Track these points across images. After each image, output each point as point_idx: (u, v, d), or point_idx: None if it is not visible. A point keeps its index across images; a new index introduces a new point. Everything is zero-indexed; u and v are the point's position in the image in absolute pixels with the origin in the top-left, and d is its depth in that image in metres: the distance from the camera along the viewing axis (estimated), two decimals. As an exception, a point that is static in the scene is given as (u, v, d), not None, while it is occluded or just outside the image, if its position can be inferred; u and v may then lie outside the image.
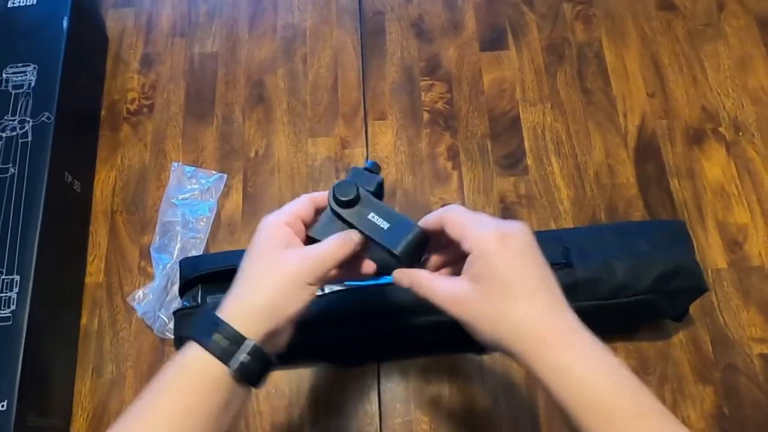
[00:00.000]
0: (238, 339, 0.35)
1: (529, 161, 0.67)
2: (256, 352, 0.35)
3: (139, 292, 0.61)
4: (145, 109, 0.72)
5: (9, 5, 0.67)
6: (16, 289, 0.54)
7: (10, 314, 0.53)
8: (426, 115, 0.70)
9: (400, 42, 0.74)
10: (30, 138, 0.60)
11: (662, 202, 0.65)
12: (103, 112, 0.72)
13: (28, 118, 0.61)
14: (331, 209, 0.40)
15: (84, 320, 0.62)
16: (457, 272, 0.37)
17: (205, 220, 0.65)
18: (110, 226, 0.66)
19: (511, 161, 0.67)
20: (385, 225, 0.39)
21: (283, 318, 0.36)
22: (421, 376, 0.58)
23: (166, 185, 0.67)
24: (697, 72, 0.71)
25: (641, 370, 0.58)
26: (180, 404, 0.34)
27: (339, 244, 0.38)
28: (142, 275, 0.63)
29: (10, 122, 0.61)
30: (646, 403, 0.33)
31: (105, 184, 0.68)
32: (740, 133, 0.68)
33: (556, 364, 0.33)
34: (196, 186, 0.66)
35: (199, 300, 0.55)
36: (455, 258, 0.39)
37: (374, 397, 0.58)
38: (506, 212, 0.65)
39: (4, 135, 0.60)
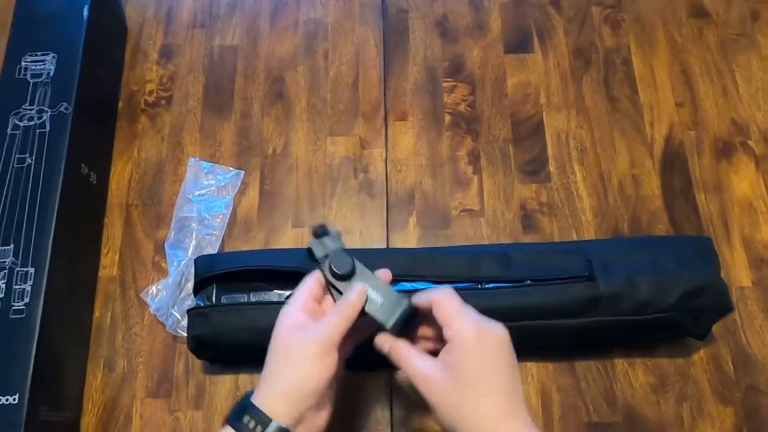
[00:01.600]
0: (265, 421, 0.38)
1: (552, 168, 0.66)
2: None
3: (153, 288, 0.61)
4: (163, 102, 0.71)
5: (30, -8, 0.66)
6: (30, 282, 0.54)
7: (23, 306, 0.53)
8: (448, 117, 0.69)
9: (423, 41, 0.73)
10: (48, 128, 0.60)
11: (687, 216, 0.63)
12: (120, 103, 0.71)
13: (46, 108, 0.60)
14: (328, 283, 0.44)
15: (97, 314, 0.61)
16: (437, 348, 0.41)
17: (221, 216, 0.64)
18: (125, 219, 0.65)
19: (534, 168, 0.66)
20: (379, 299, 0.43)
21: (309, 396, 0.39)
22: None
23: (182, 180, 0.67)
24: (728, 83, 0.69)
25: (660, 387, 0.57)
26: None
27: (339, 318, 0.41)
28: (156, 270, 0.63)
29: (28, 111, 0.60)
30: None
31: (121, 176, 0.67)
32: (770, 147, 0.66)
33: None
34: (213, 182, 0.65)
35: (213, 300, 0.54)
36: (438, 335, 0.42)
37: (386, 404, 0.57)
38: (527, 220, 0.64)
39: (21, 124, 0.60)
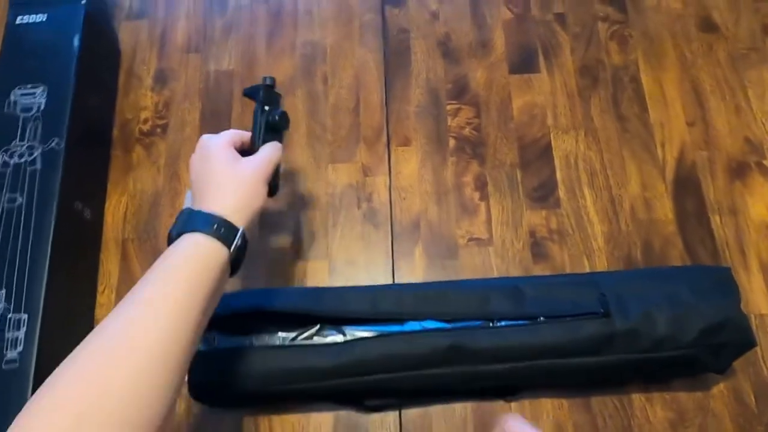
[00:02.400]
0: (233, 228, 0.43)
1: (561, 193, 0.64)
2: (244, 238, 0.43)
3: None
4: (158, 130, 0.69)
5: (17, 22, 0.64)
6: (23, 329, 0.52)
7: (17, 356, 0.51)
8: (452, 142, 0.67)
9: (425, 62, 0.71)
10: (39, 166, 0.57)
11: (702, 241, 0.61)
12: (114, 132, 0.69)
13: (37, 144, 0.58)
14: (258, 126, 0.53)
15: (94, 355, 0.59)
16: None
17: (220, 251, 0.62)
18: (122, 254, 0.63)
19: (542, 193, 0.64)
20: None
21: (254, 212, 0.46)
22: (444, 423, 0.56)
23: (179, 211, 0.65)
24: (740, 100, 0.67)
25: (679, 422, 0.55)
26: (185, 284, 0.39)
27: (274, 148, 0.50)
28: (154, 308, 0.61)
29: (18, 148, 0.58)
30: None
31: (116, 209, 0.65)
32: (786, 167, 0.64)
33: None
34: (212, 215, 0.63)
35: (215, 344, 0.52)
36: None
37: (396, 445, 0.55)
38: (537, 248, 0.62)
39: (11, 162, 0.58)
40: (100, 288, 0.62)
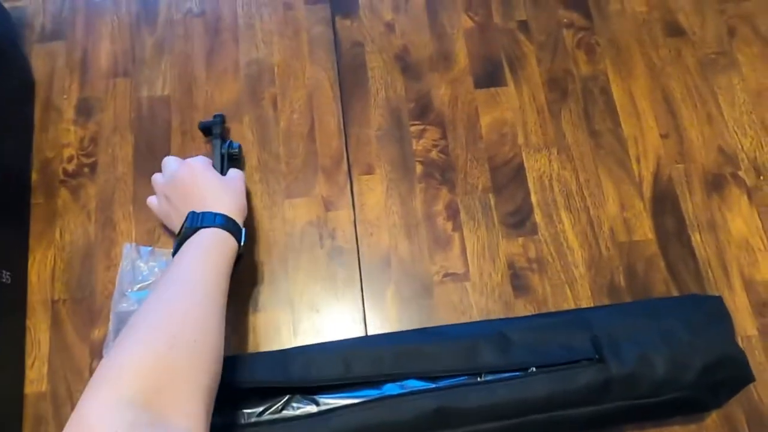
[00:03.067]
0: (238, 225, 0.51)
1: (538, 218, 0.60)
2: (245, 236, 0.52)
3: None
4: (85, 169, 0.61)
5: None
6: (-67, 431, 0.43)
7: (-73, 466, 0.42)
8: (419, 167, 0.62)
9: (383, 78, 0.65)
10: (-60, 228, 0.49)
11: (684, 260, 0.59)
12: (34, 176, 0.60)
13: (-64, 203, 0.49)
14: (221, 156, 0.58)
15: (26, 440, 0.52)
16: None
17: (168, 308, 0.54)
18: (52, 319, 0.55)
19: (518, 219, 0.60)
20: None
21: (244, 218, 0.53)
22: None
23: (117, 264, 0.57)
24: (712, 107, 0.65)
25: (674, 458, 0.52)
26: (214, 267, 0.46)
27: (241, 172, 0.57)
28: (95, 380, 0.53)
29: None
30: None
31: (42, 266, 0.57)
32: (761, 177, 0.62)
33: None
34: (156, 267, 0.56)
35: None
36: None
37: None
38: (516, 280, 0.58)
39: None
40: (28, 361, 0.54)
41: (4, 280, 0.53)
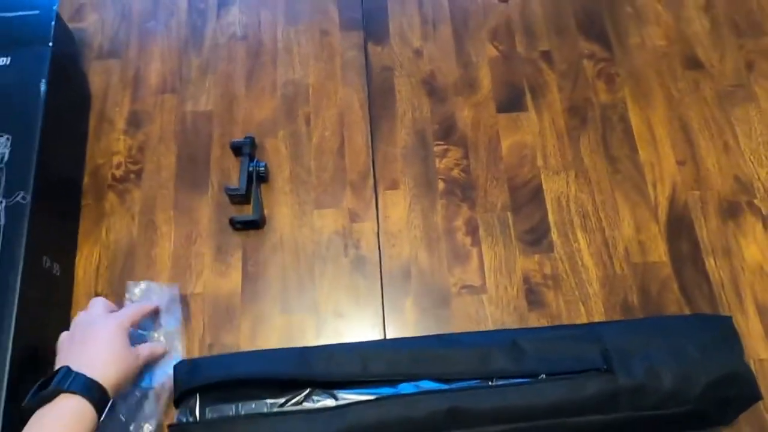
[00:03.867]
0: (106, 398, 0.47)
1: (554, 237, 0.62)
2: (110, 406, 0.48)
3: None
4: (132, 176, 0.66)
5: (-20, 65, 0.60)
6: (-13, 404, 0.47)
7: (-21, 434, 0.46)
8: (441, 184, 0.65)
9: (410, 101, 0.69)
10: (3, 221, 0.54)
11: (698, 284, 0.60)
12: (85, 179, 0.65)
13: (0, 198, 0.54)
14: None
15: (64, 423, 0.55)
16: None
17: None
18: (94, 311, 0.59)
19: (535, 237, 0.62)
20: None
21: (122, 389, 0.50)
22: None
23: (156, 262, 0.61)
24: (729, 138, 0.67)
25: (683, 476, 0.53)
26: None
27: (150, 353, 0.54)
28: (130, 370, 0.57)
29: (-19, 203, 0.54)
30: None
31: (88, 262, 0.61)
32: (776, 206, 0.64)
33: None
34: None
35: (197, 413, 0.48)
36: None
37: None
38: (531, 295, 0.60)
39: (-27, 218, 0.53)
40: (70, 349, 0.58)
41: (54, 272, 0.57)
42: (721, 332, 0.51)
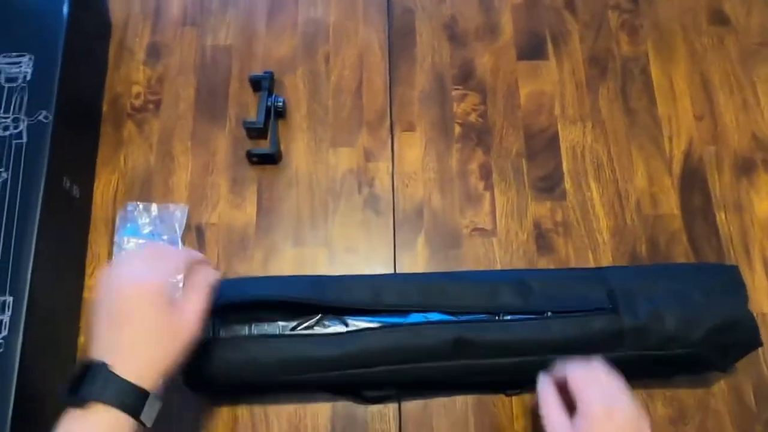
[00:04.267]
0: (143, 397, 0.39)
1: (567, 185, 0.63)
2: (157, 401, 0.40)
3: None
4: (150, 105, 0.66)
5: (3, -14, 0.60)
6: (8, 312, 0.49)
7: (2, 341, 0.48)
8: (457, 129, 0.65)
9: (431, 44, 0.69)
10: (25, 139, 0.54)
11: (708, 238, 0.61)
12: (104, 107, 0.66)
13: (22, 117, 0.55)
14: None
15: (82, 339, 0.57)
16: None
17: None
18: (111, 236, 0.60)
19: (548, 184, 0.63)
20: None
21: (175, 367, 0.41)
22: (444, 416, 0.55)
23: (173, 191, 0.62)
24: (749, 95, 0.66)
25: (679, 419, 0.55)
26: None
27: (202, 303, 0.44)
28: (145, 292, 0.58)
29: (3, 120, 0.55)
30: None
31: (106, 188, 0.62)
32: (792, 165, 0.63)
33: None
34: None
35: (211, 332, 0.50)
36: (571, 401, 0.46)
37: (394, 437, 0.54)
38: (541, 240, 0.60)
39: (-4, 134, 0.54)
40: (88, 270, 0.59)
41: (74, 194, 0.58)
42: (727, 280, 0.52)
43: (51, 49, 0.58)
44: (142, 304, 0.40)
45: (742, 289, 0.52)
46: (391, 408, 0.55)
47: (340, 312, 0.50)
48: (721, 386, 0.56)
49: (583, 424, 0.43)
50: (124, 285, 0.41)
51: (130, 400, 0.38)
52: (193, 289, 0.43)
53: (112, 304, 0.41)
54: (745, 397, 0.55)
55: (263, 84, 0.64)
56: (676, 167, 0.64)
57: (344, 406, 0.55)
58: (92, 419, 0.38)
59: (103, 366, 0.39)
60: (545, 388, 0.47)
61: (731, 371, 0.55)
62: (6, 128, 0.55)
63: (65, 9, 0.59)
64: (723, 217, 0.62)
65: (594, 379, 0.45)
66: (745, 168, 0.64)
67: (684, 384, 0.55)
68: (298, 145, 0.64)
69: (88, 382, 0.38)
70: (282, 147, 0.64)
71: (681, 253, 0.60)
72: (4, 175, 0.53)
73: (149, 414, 0.39)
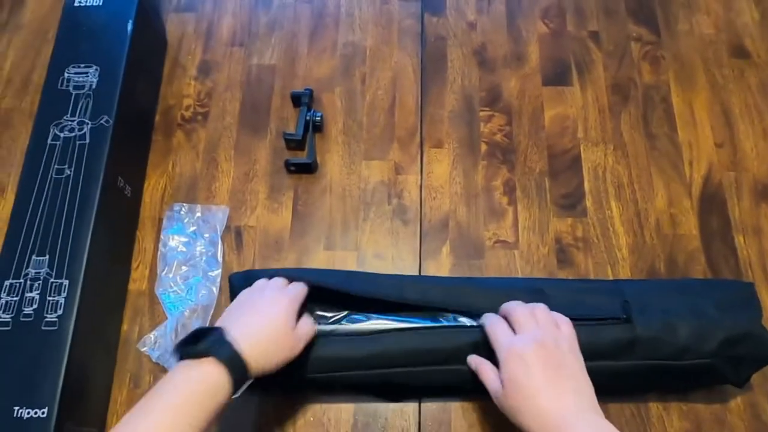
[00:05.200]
0: (245, 377, 0.46)
1: (588, 203, 0.65)
2: (248, 382, 0.47)
3: (151, 336, 0.59)
4: (199, 117, 0.71)
5: (76, 4, 0.67)
6: (64, 294, 0.53)
7: (56, 319, 0.52)
8: (484, 147, 0.69)
9: (461, 69, 0.73)
10: (87, 140, 0.60)
11: (726, 259, 0.62)
12: (157, 117, 0.71)
13: (87, 120, 0.61)
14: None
15: (125, 327, 0.61)
16: None
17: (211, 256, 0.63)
18: (157, 233, 0.65)
19: (570, 202, 0.66)
20: None
21: (272, 371, 0.48)
22: (463, 418, 0.56)
23: (215, 195, 0.67)
24: (769, 125, 0.69)
25: (695, 433, 0.56)
26: (186, 406, 0.43)
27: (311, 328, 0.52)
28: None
29: (69, 123, 0.61)
30: None
31: (155, 190, 0.67)
32: (811, 193, 0.65)
33: None
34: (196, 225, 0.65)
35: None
36: None
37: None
38: (562, 254, 0.63)
39: (62, 135, 0.60)
40: (134, 264, 0.64)
41: (126, 193, 0.63)
42: (742, 295, 0.53)
43: (115, 62, 0.64)
44: (275, 312, 0.49)
45: (756, 303, 0.53)
46: (411, 406, 0.57)
47: (366, 309, 0.53)
48: (737, 402, 0.56)
49: (502, 373, 0.47)
50: (266, 295, 0.51)
51: (236, 366, 0.45)
52: (305, 321, 0.51)
53: (254, 298, 0.50)
54: (762, 415, 0.56)
55: (303, 100, 0.69)
56: (696, 190, 0.66)
57: (366, 404, 0.57)
58: (203, 369, 0.44)
59: (224, 332, 0.46)
60: (482, 366, 0.50)
61: (747, 388, 0.56)
62: (72, 130, 0.60)
63: (129, 27, 0.65)
64: (742, 240, 0.63)
65: (498, 333, 0.50)
66: (765, 194, 0.65)
67: (701, 399, 0.56)
68: (333, 157, 0.68)
69: (210, 339, 0.45)
70: (318, 158, 0.68)
71: (699, 273, 0.62)
72: (68, 171, 0.58)
73: (241, 386, 0.45)
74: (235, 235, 0.65)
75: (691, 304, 0.52)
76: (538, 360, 0.46)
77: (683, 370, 0.51)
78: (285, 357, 0.48)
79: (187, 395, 0.43)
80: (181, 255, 0.63)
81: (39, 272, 0.54)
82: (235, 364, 0.45)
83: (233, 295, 0.55)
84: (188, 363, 0.45)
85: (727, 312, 0.52)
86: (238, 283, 0.55)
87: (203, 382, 0.44)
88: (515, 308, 0.50)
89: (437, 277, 0.61)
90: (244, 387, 0.46)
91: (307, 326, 0.51)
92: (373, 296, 0.52)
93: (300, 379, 0.53)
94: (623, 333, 0.51)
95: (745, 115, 0.69)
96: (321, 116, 0.68)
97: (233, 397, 0.45)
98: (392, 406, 0.57)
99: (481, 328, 0.51)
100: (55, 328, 0.52)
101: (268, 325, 0.48)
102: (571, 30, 0.75)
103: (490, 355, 0.50)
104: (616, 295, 0.54)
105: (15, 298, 0.53)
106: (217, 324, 0.48)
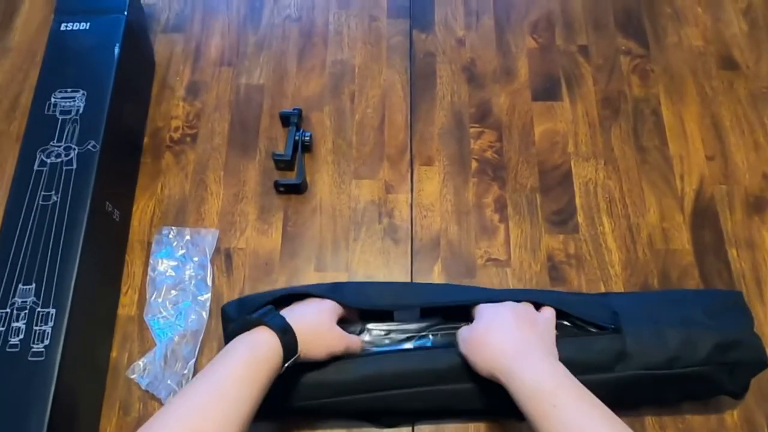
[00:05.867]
0: (294, 348, 0.48)
1: (580, 219, 0.65)
2: (295, 359, 0.49)
3: (139, 363, 0.58)
4: (188, 138, 0.71)
5: (62, 28, 0.66)
6: (51, 323, 0.53)
7: (43, 349, 0.52)
8: (474, 164, 0.68)
9: (450, 85, 0.73)
10: (74, 166, 0.59)
11: (719, 272, 0.62)
12: (145, 139, 0.71)
13: (73, 146, 0.60)
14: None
15: (114, 354, 0.60)
16: None
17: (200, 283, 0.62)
18: (146, 257, 0.64)
19: (561, 218, 0.65)
20: None
21: (313, 356, 0.51)
22: (457, 441, 0.56)
23: (204, 218, 0.66)
24: (759, 136, 0.68)
25: (691, 452, 0.55)
26: (252, 382, 0.45)
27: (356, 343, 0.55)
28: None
29: (56, 148, 0.60)
30: (585, 397, 0.44)
31: (143, 213, 0.67)
32: (803, 204, 0.65)
33: (513, 371, 0.46)
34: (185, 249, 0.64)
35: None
36: None
37: (407, 460, 0.55)
38: (554, 271, 0.62)
39: (48, 161, 0.59)
40: (123, 288, 0.63)
41: (114, 217, 0.63)
42: (731, 303, 0.53)
43: (102, 86, 0.63)
44: (317, 309, 0.53)
45: (747, 312, 0.53)
46: (405, 431, 0.56)
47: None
48: (733, 418, 0.56)
49: (474, 323, 0.52)
50: (321, 304, 0.54)
51: (287, 339, 0.47)
52: (349, 331, 0.55)
53: (313, 309, 0.53)
54: (758, 430, 0.55)
55: (292, 119, 0.69)
56: (688, 205, 0.65)
57: (359, 426, 0.56)
58: (256, 336, 0.47)
59: (273, 307, 0.50)
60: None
61: (743, 403, 0.56)
62: (58, 156, 0.60)
63: (116, 51, 0.65)
64: (735, 253, 0.63)
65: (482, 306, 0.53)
66: (757, 206, 0.65)
67: (696, 414, 0.56)
68: (322, 177, 0.68)
69: (261, 312, 0.49)
70: (307, 178, 0.68)
71: (692, 287, 0.61)
72: (55, 197, 0.58)
73: (289, 359, 0.48)
74: (224, 257, 0.64)
75: (680, 314, 0.52)
76: (511, 312, 0.51)
77: (676, 379, 0.51)
78: (325, 349, 0.51)
79: (244, 360, 0.45)
80: (170, 279, 0.62)
81: (25, 301, 0.53)
82: (286, 333, 0.47)
83: (225, 325, 0.54)
84: (241, 336, 0.47)
85: (716, 319, 0.51)
86: (232, 312, 0.54)
87: (258, 349, 0.46)
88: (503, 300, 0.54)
89: (427, 283, 0.62)
90: (293, 360, 0.48)
91: (351, 335, 0.54)
92: (362, 305, 0.52)
93: (290, 407, 0.52)
94: (613, 344, 0.51)
95: (736, 127, 0.69)
96: (310, 136, 0.68)
97: (285, 366, 0.47)
98: (386, 431, 0.56)
99: None
100: (42, 358, 0.51)
101: (311, 314, 0.52)
102: (560, 44, 0.75)
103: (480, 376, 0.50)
104: (605, 307, 0.54)
105: (0, 329, 0.52)
106: None
